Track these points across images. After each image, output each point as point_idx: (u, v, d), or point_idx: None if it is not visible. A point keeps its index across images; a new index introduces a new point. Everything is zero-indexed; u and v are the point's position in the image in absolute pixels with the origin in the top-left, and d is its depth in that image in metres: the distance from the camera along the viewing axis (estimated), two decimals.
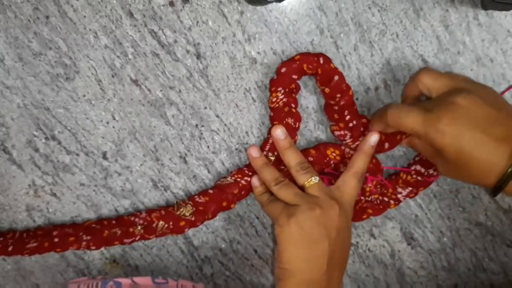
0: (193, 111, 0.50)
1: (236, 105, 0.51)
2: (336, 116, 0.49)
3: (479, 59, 0.51)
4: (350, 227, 0.47)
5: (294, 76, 0.48)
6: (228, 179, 0.51)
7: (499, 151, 0.40)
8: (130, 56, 0.48)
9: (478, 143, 0.41)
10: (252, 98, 0.51)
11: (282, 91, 0.48)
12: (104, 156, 0.50)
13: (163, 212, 0.50)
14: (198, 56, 0.49)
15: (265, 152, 0.50)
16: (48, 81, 0.48)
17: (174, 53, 0.49)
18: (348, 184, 0.47)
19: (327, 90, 0.49)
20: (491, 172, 0.41)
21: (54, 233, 0.49)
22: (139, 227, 0.49)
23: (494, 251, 0.57)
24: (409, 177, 0.52)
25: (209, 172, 0.52)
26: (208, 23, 0.48)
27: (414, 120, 0.43)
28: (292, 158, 0.48)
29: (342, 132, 0.50)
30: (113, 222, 0.50)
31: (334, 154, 0.50)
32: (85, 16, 0.47)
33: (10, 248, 0.48)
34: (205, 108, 0.50)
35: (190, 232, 0.53)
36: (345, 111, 0.49)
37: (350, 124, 0.49)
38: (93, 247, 0.49)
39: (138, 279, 0.49)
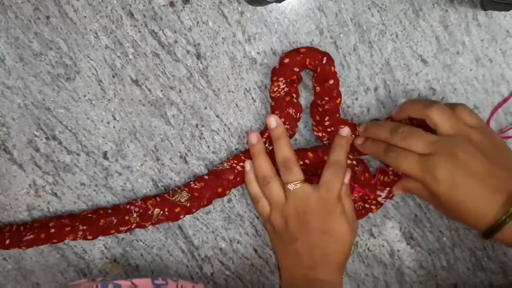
0: (193, 111, 0.50)
1: (236, 105, 0.51)
2: (317, 117, 0.50)
3: (478, 59, 0.52)
4: (334, 221, 0.48)
5: (296, 69, 0.48)
6: (224, 165, 0.51)
7: (491, 201, 0.42)
8: (130, 56, 0.48)
9: (472, 194, 0.42)
10: (252, 98, 0.51)
11: (284, 81, 0.48)
12: (105, 156, 0.51)
13: (158, 199, 0.50)
14: (198, 56, 0.49)
15: (263, 140, 0.50)
16: (49, 81, 0.48)
17: (174, 53, 0.49)
18: (324, 177, 0.48)
19: (318, 89, 0.49)
20: (483, 220, 0.42)
21: (51, 224, 0.49)
22: (134, 215, 0.49)
23: (493, 250, 0.57)
24: (385, 178, 0.52)
25: (209, 171, 0.52)
26: (208, 23, 0.48)
27: (412, 166, 0.44)
28: (279, 152, 0.48)
29: (320, 134, 0.51)
30: (109, 211, 0.50)
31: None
32: (85, 17, 0.47)
33: (7, 242, 0.48)
34: (205, 108, 0.51)
35: (190, 231, 0.53)
36: (327, 116, 0.49)
37: (329, 129, 0.50)
38: (89, 237, 0.49)
39: (137, 281, 0.49)
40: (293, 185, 0.47)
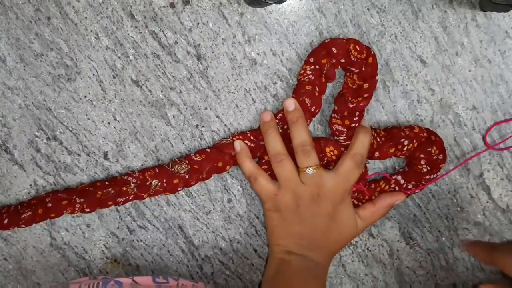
0: (194, 111, 0.51)
1: (236, 105, 0.51)
2: (346, 113, 0.49)
3: (477, 60, 0.52)
4: (344, 211, 0.48)
5: (335, 50, 0.47)
6: (229, 139, 0.50)
7: None
8: (131, 57, 0.49)
9: None
10: (252, 99, 0.51)
11: (312, 68, 0.48)
12: (105, 156, 0.51)
13: (157, 170, 0.49)
14: (199, 57, 0.49)
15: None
16: (50, 82, 0.49)
17: (174, 54, 0.49)
18: (344, 166, 0.48)
19: (356, 84, 0.48)
20: None
21: (47, 199, 0.48)
22: (132, 186, 0.49)
23: None
24: (386, 187, 0.52)
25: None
26: (208, 24, 0.49)
27: None
28: (296, 136, 0.48)
29: (341, 128, 0.50)
30: (106, 183, 0.49)
31: (332, 153, 0.50)
32: (86, 18, 0.47)
33: (5, 221, 0.48)
34: (206, 108, 0.51)
35: (190, 231, 0.53)
36: (357, 112, 0.49)
37: (353, 125, 0.50)
38: (87, 209, 0.49)
39: (138, 279, 0.49)
40: (311, 170, 0.47)
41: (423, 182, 0.52)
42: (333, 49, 0.48)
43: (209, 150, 0.50)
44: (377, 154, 0.51)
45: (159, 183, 0.49)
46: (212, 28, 0.49)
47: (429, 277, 0.58)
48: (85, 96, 0.49)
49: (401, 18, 0.50)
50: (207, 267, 0.55)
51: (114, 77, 0.49)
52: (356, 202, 0.52)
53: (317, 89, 0.49)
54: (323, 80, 0.49)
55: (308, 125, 0.50)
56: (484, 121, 0.53)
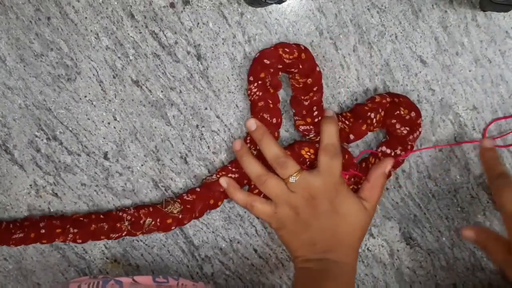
0: (194, 111, 0.51)
1: (237, 105, 0.51)
2: (304, 112, 0.50)
3: (478, 60, 0.52)
4: (344, 201, 0.48)
5: (267, 61, 0.48)
6: (214, 177, 0.51)
7: None
8: (131, 57, 0.49)
9: None
10: None
11: (256, 84, 0.48)
12: (105, 156, 0.51)
13: (151, 209, 0.50)
14: (199, 57, 0.49)
15: (247, 145, 0.50)
16: (50, 82, 0.49)
17: (174, 54, 0.49)
18: (322, 162, 0.48)
19: (301, 83, 0.49)
20: None
21: (41, 224, 0.49)
22: (126, 223, 0.49)
23: None
24: (376, 160, 0.52)
25: (209, 172, 0.52)
26: (208, 24, 0.49)
27: None
28: (267, 151, 0.48)
29: (307, 127, 0.50)
30: (101, 216, 0.50)
31: (309, 153, 0.50)
32: (86, 18, 0.47)
33: None
34: (206, 108, 0.51)
35: (190, 231, 0.53)
36: (314, 107, 0.49)
37: (316, 120, 0.50)
38: (79, 240, 0.49)
39: (139, 278, 0.49)
40: (294, 177, 0.47)
41: (409, 144, 0.51)
42: (265, 60, 0.48)
43: (199, 189, 0.51)
44: (352, 136, 0.51)
45: (153, 222, 0.50)
46: (212, 28, 0.49)
47: (429, 277, 0.58)
48: (85, 96, 0.49)
49: (401, 18, 0.50)
50: (207, 267, 0.55)
51: (114, 77, 0.49)
52: (356, 187, 0.52)
53: (270, 101, 0.49)
54: (272, 91, 0.49)
55: (277, 137, 0.51)
56: (484, 121, 0.53)
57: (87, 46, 0.48)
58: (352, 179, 0.52)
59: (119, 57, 0.48)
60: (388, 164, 0.50)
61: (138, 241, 0.53)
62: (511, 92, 0.53)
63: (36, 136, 0.50)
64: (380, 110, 0.50)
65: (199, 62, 0.49)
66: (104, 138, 0.50)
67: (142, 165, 0.51)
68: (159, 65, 0.49)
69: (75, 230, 0.49)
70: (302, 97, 0.49)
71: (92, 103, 0.49)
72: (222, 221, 0.54)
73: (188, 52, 0.49)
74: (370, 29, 0.50)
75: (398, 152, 0.52)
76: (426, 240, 0.56)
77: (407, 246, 0.56)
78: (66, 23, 0.47)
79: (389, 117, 0.51)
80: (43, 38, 0.47)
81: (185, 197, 0.51)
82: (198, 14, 0.48)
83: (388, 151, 0.52)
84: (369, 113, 0.50)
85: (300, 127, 0.51)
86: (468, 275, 0.58)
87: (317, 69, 0.49)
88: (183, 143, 0.51)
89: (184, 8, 0.48)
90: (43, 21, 0.47)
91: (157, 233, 0.51)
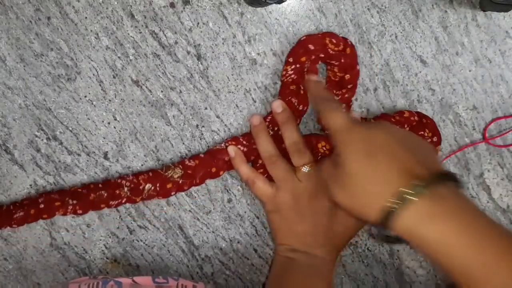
0: (194, 111, 0.51)
1: (237, 105, 0.51)
2: None
3: (478, 60, 0.52)
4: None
5: (311, 47, 0.47)
6: (222, 145, 0.50)
7: (385, 186, 0.36)
8: (131, 57, 0.49)
9: (371, 170, 0.37)
10: (252, 99, 0.51)
11: (293, 67, 0.48)
12: (106, 156, 0.51)
13: (150, 174, 0.49)
14: (199, 57, 0.49)
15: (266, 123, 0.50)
16: (50, 82, 0.49)
17: (174, 54, 0.49)
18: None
19: (338, 77, 0.48)
20: (374, 205, 0.37)
21: (40, 200, 0.48)
22: (125, 189, 0.48)
23: None
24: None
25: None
26: (208, 24, 0.49)
27: (338, 121, 0.41)
28: (287, 136, 0.48)
29: None
30: (100, 185, 0.49)
31: (324, 148, 0.50)
32: (86, 17, 0.47)
33: None
34: (206, 108, 0.51)
35: (190, 231, 0.53)
36: (343, 104, 0.49)
37: None
38: (79, 211, 0.48)
39: (138, 279, 0.49)
40: (307, 168, 0.47)
41: None
42: (310, 45, 0.48)
43: (202, 155, 0.50)
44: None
45: (153, 187, 0.49)
46: (212, 28, 0.49)
47: (429, 277, 0.57)
48: (85, 96, 0.49)
49: (401, 18, 0.50)
50: (207, 267, 0.55)
51: (114, 77, 0.49)
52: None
53: (302, 87, 0.49)
54: (306, 77, 0.49)
55: (298, 124, 0.50)
56: (484, 121, 0.53)
57: (87, 46, 0.48)
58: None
59: (119, 57, 0.48)
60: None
61: (138, 241, 0.53)
62: (511, 92, 0.53)
63: (36, 136, 0.50)
64: (406, 126, 0.50)
65: (199, 62, 0.49)
66: (104, 138, 0.50)
67: (142, 165, 0.51)
68: (159, 65, 0.49)
69: (74, 202, 0.48)
70: (334, 91, 0.49)
71: (92, 103, 0.49)
72: (222, 221, 0.54)
73: (188, 52, 0.49)
74: (370, 29, 0.50)
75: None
76: None
77: (407, 246, 0.56)
78: (66, 23, 0.47)
79: None
80: (43, 38, 0.47)
81: (187, 162, 0.49)
82: (198, 14, 0.48)
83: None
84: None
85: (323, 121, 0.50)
86: None
87: (357, 67, 0.49)
88: (183, 143, 0.51)
89: (184, 8, 0.48)
90: (43, 21, 0.47)
91: (157, 199, 0.50)
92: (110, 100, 0.49)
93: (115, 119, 0.50)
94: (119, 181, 0.49)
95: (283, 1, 0.46)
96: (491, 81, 0.52)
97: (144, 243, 0.53)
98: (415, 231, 0.35)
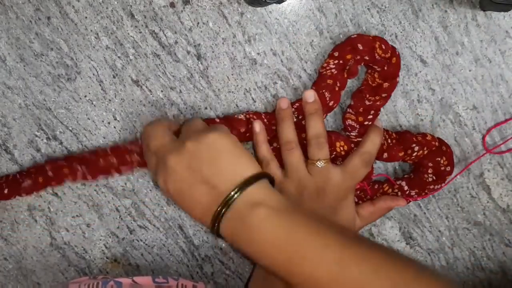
0: (194, 111, 0.51)
1: (237, 105, 0.51)
2: (361, 109, 0.49)
3: (478, 60, 0.52)
4: (346, 206, 0.49)
5: (360, 47, 0.47)
6: (241, 116, 0.49)
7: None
8: (131, 57, 0.49)
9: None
10: (252, 99, 0.51)
11: (336, 62, 0.48)
12: None
13: None
14: (199, 57, 0.49)
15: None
16: (50, 82, 0.49)
17: (174, 54, 0.49)
18: (353, 164, 0.48)
19: (376, 83, 0.48)
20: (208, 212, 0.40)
21: (48, 167, 0.47)
22: (135, 154, 0.47)
23: (492, 250, 0.57)
24: (389, 190, 0.52)
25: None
26: (208, 24, 0.49)
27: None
28: (312, 127, 0.48)
29: (354, 125, 0.50)
30: (108, 151, 0.48)
31: (341, 148, 0.50)
32: (86, 17, 0.47)
33: (5, 191, 0.47)
34: (206, 108, 0.51)
35: (190, 231, 0.53)
36: (372, 110, 0.49)
37: (366, 123, 0.50)
38: (89, 177, 0.47)
39: (138, 279, 0.49)
40: (322, 163, 0.47)
41: (426, 191, 0.52)
42: (359, 45, 0.47)
43: (218, 120, 0.49)
44: (385, 155, 0.51)
45: None
46: (212, 28, 0.49)
47: None
48: (85, 96, 0.49)
49: (401, 17, 0.50)
50: (207, 267, 0.55)
51: (114, 77, 0.49)
52: (356, 200, 0.52)
53: (338, 84, 0.49)
54: (345, 75, 0.49)
55: (323, 118, 0.50)
56: (484, 121, 0.53)
57: (87, 45, 0.48)
58: (358, 192, 0.52)
59: (119, 57, 0.49)
60: (399, 204, 0.51)
61: (138, 241, 0.53)
62: (511, 92, 0.53)
63: (36, 136, 0.50)
64: (425, 148, 0.50)
65: (199, 62, 0.49)
66: (104, 138, 0.50)
67: None
68: (159, 64, 0.49)
69: (83, 167, 0.47)
70: (368, 95, 0.49)
71: (92, 103, 0.49)
72: None
73: (188, 52, 0.49)
74: (370, 29, 0.50)
75: (413, 193, 0.52)
76: (426, 239, 0.56)
77: (407, 246, 0.56)
78: (66, 23, 0.47)
79: (429, 159, 0.51)
80: (43, 38, 0.47)
81: None
82: (198, 14, 0.48)
83: (406, 187, 0.52)
84: (414, 145, 0.50)
85: (348, 120, 0.50)
86: (468, 274, 0.58)
87: (397, 79, 0.49)
88: None
89: (184, 8, 0.48)
90: (43, 21, 0.47)
91: None
92: (110, 100, 0.49)
93: (115, 119, 0.50)
94: (129, 147, 0.48)
95: (283, 1, 0.46)
96: (491, 81, 0.52)
97: (144, 243, 0.53)
98: (238, 227, 0.39)
